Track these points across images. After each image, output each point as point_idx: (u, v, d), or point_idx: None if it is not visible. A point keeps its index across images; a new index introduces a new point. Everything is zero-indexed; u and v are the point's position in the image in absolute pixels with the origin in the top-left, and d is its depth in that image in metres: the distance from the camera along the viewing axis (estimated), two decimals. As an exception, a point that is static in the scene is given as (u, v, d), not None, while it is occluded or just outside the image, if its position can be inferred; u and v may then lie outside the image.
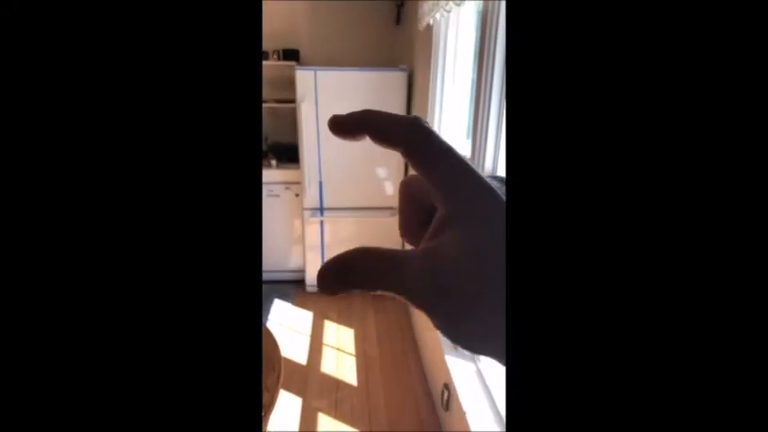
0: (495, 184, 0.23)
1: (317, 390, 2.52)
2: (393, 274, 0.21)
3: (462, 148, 2.04)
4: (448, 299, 0.20)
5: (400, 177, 3.12)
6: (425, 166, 0.22)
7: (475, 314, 0.20)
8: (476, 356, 1.86)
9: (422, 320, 2.70)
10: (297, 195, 3.37)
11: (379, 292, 0.22)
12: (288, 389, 2.47)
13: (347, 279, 0.21)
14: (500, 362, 0.22)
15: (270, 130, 3.59)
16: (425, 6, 2.35)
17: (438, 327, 0.21)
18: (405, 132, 0.22)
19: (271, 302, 3.35)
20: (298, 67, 3.04)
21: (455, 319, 0.20)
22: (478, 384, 1.74)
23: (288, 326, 3.10)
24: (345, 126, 0.23)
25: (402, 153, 0.22)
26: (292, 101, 3.18)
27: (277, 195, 3.38)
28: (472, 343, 0.21)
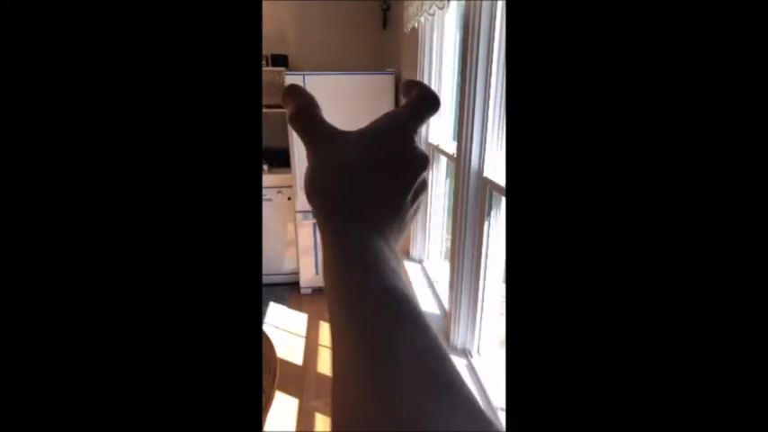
0: None
1: (314, 390, 2.54)
2: (315, 123, 0.30)
3: (449, 148, 2.08)
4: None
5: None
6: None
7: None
8: (467, 351, 1.89)
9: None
10: (289, 199, 3.39)
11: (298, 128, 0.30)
12: (284, 390, 2.49)
13: (295, 96, 0.30)
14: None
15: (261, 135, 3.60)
16: (410, 10, 2.39)
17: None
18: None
19: (266, 305, 3.36)
20: (287, 72, 3.07)
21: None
22: (470, 379, 1.77)
23: (283, 328, 3.12)
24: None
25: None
26: (282, 106, 3.19)
27: (270, 199, 3.40)
28: (322, 191, 0.29)
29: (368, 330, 0.22)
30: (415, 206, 0.31)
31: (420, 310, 0.23)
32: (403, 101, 0.32)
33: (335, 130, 0.30)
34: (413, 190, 0.30)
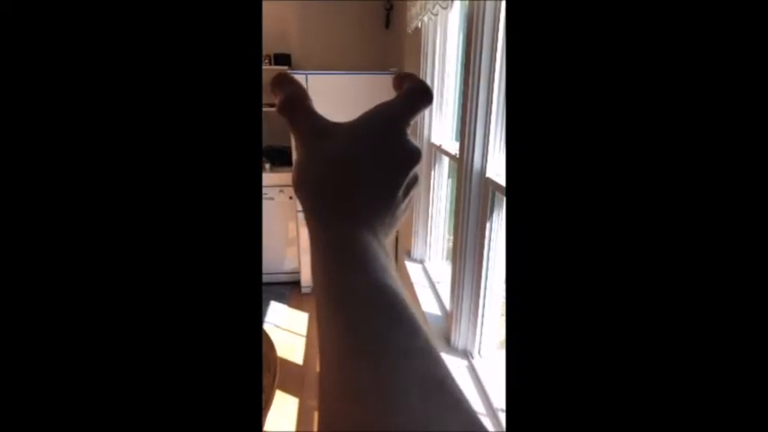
0: None
1: (314, 389, 2.54)
2: (304, 110, 0.30)
3: (450, 149, 2.07)
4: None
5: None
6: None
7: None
8: (468, 352, 1.89)
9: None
10: (291, 198, 3.39)
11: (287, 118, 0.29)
12: (285, 389, 2.49)
13: (284, 85, 0.30)
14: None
15: (263, 134, 3.62)
16: (414, 9, 2.38)
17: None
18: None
19: (267, 304, 3.36)
20: (290, 71, 3.07)
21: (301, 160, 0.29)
22: (471, 380, 1.77)
23: (284, 327, 3.12)
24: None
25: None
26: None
27: (271, 198, 3.41)
28: (309, 183, 0.28)
29: (356, 329, 0.21)
30: (406, 201, 0.30)
31: (411, 308, 0.22)
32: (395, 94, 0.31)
33: (326, 122, 0.29)
34: (404, 184, 0.29)
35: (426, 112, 2.42)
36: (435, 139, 2.40)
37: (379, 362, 0.19)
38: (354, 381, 0.19)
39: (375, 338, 0.20)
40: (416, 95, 0.30)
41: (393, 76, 0.31)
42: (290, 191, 3.37)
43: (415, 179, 0.30)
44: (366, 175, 0.28)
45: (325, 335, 0.22)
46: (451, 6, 1.93)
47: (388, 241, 0.29)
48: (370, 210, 0.27)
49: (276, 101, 0.30)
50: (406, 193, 0.29)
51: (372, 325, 0.21)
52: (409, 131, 0.30)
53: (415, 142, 0.29)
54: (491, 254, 1.54)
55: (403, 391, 0.18)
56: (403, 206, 0.29)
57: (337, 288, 0.23)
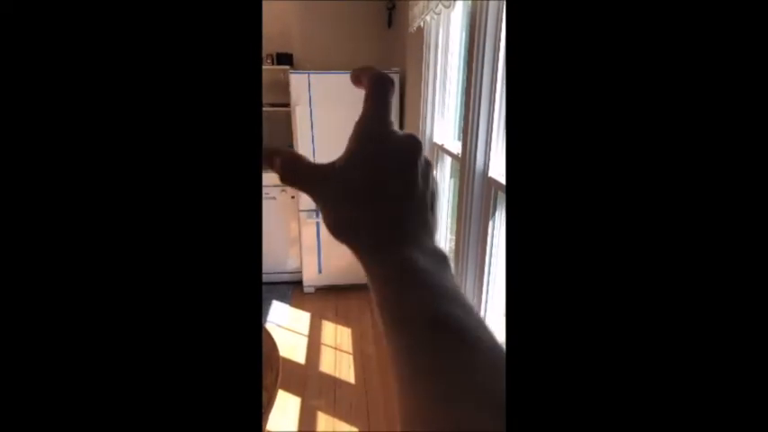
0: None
1: (316, 388, 2.54)
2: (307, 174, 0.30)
3: (453, 148, 2.07)
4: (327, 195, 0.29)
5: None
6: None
7: (340, 208, 0.29)
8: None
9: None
10: (293, 197, 3.40)
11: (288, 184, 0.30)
12: (287, 388, 2.50)
13: (274, 156, 0.30)
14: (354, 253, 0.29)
15: (265, 133, 3.62)
16: (416, 9, 2.38)
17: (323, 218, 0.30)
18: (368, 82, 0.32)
19: (269, 304, 3.37)
20: (291, 71, 3.07)
21: (329, 209, 0.29)
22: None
23: (286, 326, 3.12)
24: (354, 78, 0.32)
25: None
26: (287, 104, 3.20)
27: (273, 198, 3.41)
28: (339, 229, 0.29)
29: (415, 354, 0.23)
30: (429, 190, 0.30)
31: (465, 322, 0.24)
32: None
33: (325, 167, 0.30)
34: (419, 174, 0.29)
35: (429, 111, 2.42)
36: (438, 139, 2.39)
37: (441, 380, 0.21)
38: (419, 400, 0.21)
39: (433, 361, 0.22)
40: (378, 87, 0.31)
41: (350, 74, 0.32)
42: (293, 190, 3.38)
43: (428, 165, 0.31)
44: (383, 189, 0.28)
45: (390, 354, 0.25)
46: (454, 6, 1.93)
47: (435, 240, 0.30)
48: (402, 223, 0.28)
49: (277, 174, 0.30)
50: (425, 181, 0.30)
51: (431, 348, 0.23)
52: (394, 123, 0.30)
53: (403, 131, 0.30)
54: (493, 253, 1.54)
55: (467, 406, 0.20)
56: (428, 196, 0.30)
57: (391, 314, 0.25)
